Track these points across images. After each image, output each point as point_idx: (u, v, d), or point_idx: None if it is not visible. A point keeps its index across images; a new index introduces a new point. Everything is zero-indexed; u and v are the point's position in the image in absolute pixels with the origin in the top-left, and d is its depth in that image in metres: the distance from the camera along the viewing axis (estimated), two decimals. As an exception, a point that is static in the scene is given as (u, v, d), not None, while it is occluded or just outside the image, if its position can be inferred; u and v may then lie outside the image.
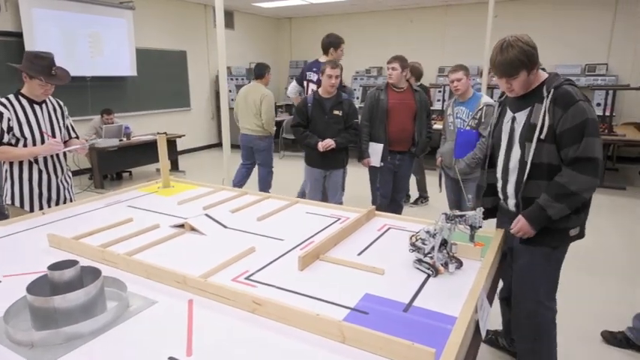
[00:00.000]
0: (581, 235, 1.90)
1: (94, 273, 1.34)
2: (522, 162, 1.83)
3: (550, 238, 1.85)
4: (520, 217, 1.84)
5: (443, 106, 6.62)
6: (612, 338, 2.55)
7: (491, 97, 6.98)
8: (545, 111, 1.74)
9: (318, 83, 4.03)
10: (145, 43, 7.47)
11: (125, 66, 7.02)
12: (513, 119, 1.90)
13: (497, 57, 1.77)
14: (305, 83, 4.39)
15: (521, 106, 1.86)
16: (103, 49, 6.66)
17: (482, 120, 3.30)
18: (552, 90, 1.74)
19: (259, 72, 4.84)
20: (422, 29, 8.80)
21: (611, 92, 6.48)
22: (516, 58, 1.72)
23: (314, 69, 4.22)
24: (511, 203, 1.95)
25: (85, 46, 6.44)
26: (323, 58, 4.18)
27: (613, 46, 7.32)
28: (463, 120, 3.40)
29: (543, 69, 1.88)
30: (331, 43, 4.13)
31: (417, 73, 4.90)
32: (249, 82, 5.08)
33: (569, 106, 1.69)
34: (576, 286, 3.11)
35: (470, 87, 3.41)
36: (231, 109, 8.25)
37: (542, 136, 1.75)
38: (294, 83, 4.56)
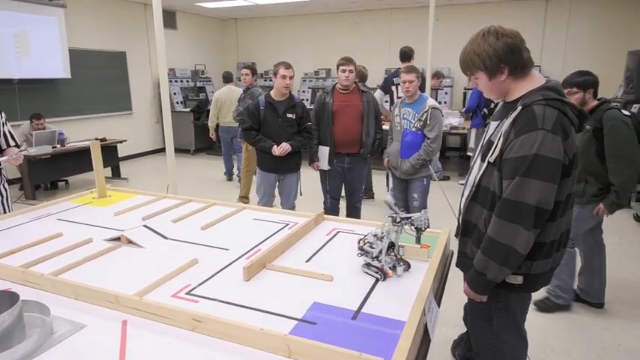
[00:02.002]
0: (526, 287, 1.57)
1: (10, 298, 1.20)
2: (475, 179, 1.58)
3: None
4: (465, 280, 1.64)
5: (390, 107, 6.73)
6: (544, 305, 2.86)
7: (435, 99, 7.19)
8: (502, 130, 1.46)
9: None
10: (80, 44, 7.03)
11: (57, 67, 6.56)
12: (488, 128, 1.64)
13: (463, 48, 1.51)
14: (393, 88, 5.23)
15: (499, 115, 1.57)
16: (31, 49, 6.18)
17: (428, 122, 3.38)
18: (519, 108, 1.42)
19: (230, 78, 6.27)
20: (368, 32, 8.93)
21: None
22: (468, 57, 1.48)
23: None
24: (460, 219, 1.71)
25: (10, 45, 5.94)
26: (403, 65, 4.90)
27: (545, 48, 7.80)
28: (409, 121, 3.46)
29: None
30: (412, 51, 5.23)
31: (362, 76, 5.06)
32: (224, 86, 6.29)
33: (524, 132, 1.37)
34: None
35: (418, 89, 3.48)
36: (175, 112, 8.07)
37: (492, 159, 1.48)
38: (378, 91, 5.40)
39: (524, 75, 1.48)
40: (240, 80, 5.65)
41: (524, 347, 1.79)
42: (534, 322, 2.75)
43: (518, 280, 1.55)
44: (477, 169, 1.60)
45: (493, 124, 1.60)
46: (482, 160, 1.56)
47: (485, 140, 1.60)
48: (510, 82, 1.48)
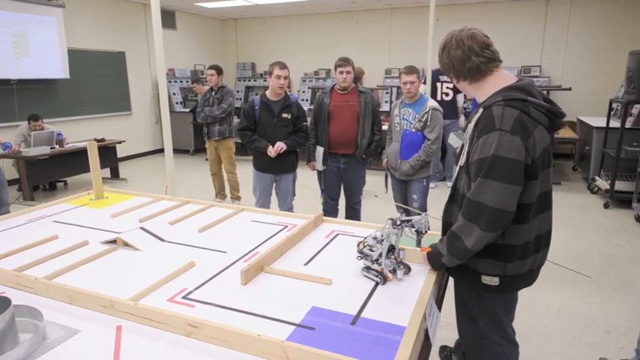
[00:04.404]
0: (505, 288, 1.55)
1: (1, 303, 1.18)
2: (453, 182, 1.62)
3: (462, 276, 1.61)
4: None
5: (390, 108, 6.70)
6: None
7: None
8: (468, 135, 1.50)
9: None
10: (79, 44, 7.00)
11: (56, 68, 6.53)
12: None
13: None
14: (439, 84, 5.65)
15: (469, 120, 1.61)
16: (29, 49, 6.15)
17: (428, 123, 3.35)
18: (481, 110, 1.45)
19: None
20: (368, 32, 8.90)
21: (544, 93, 6.87)
22: (443, 62, 1.54)
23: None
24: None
25: (8, 45, 5.91)
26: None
27: (545, 49, 7.77)
28: (409, 122, 3.43)
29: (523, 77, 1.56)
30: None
31: (357, 76, 5.07)
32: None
33: (483, 134, 1.38)
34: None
35: (419, 89, 3.45)
36: (174, 112, 8.04)
37: (462, 163, 1.50)
38: (422, 86, 5.73)
39: (489, 75, 1.49)
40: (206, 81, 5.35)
41: (514, 348, 1.78)
42: (536, 324, 2.73)
43: (494, 281, 1.54)
44: (455, 172, 1.63)
45: (470, 126, 1.62)
46: (456, 163, 1.59)
47: (460, 145, 1.64)
48: (472, 85, 1.52)
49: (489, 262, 1.51)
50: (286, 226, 2.08)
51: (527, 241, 1.50)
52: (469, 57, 1.47)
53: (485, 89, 1.49)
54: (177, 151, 7.22)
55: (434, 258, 1.58)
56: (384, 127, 4.06)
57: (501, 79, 1.50)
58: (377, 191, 5.57)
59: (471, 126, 1.49)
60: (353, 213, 3.86)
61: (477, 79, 1.50)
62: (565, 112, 1.52)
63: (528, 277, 1.59)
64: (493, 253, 1.49)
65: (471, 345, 1.79)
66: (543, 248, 1.58)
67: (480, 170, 1.38)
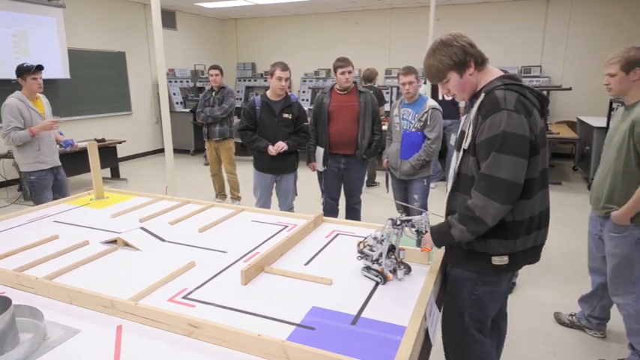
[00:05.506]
0: (512, 266, 1.61)
1: (2, 303, 1.18)
2: (455, 170, 1.67)
3: (470, 262, 1.62)
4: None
5: (390, 108, 6.69)
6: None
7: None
8: (471, 119, 1.56)
9: None
10: (79, 44, 7.00)
11: (56, 68, 6.53)
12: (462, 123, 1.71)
13: (424, 61, 1.65)
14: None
15: (468, 108, 1.68)
16: (29, 49, 6.15)
17: (428, 122, 3.35)
18: (483, 95, 1.54)
19: None
20: (368, 32, 8.91)
21: (544, 93, 6.88)
22: (436, 63, 1.58)
23: None
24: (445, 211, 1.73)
25: (8, 45, 5.91)
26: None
27: (545, 49, 7.77)
28: (409, 122, 3.43)
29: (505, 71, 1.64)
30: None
31: (369, 77, 5.10)
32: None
33: (490, 114, 1.46)
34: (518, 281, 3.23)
35: (418, 89, 3.45)
36: (174, 112, 8.04)
37: (466, 146, 1.56)
38: (423, 86, 5.31)
39: (484, 67, 1.61)
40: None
41: (493, 343, 1.80)
42: (536, 324, 2.73)
43: (504, 260, 1.57)
44: (454, 160, 1.67)
45: (463, 117, 1.70)
46: (458, 150, 1.63)
47: (459, 132, 1.69)
48: (476, 75, 1.60)
49: (499, 242, 1.55)
50: (286, 226, 2.09)
51: (532, 216, 1.55)
52: (474, 44, 1.59)
53: (485, 79, 1.59)
54: (177, 151, 7.21)
55: (441, 232, 1.58)
56: (384, 127, 4.06)
57: (495, 71, 1.62)
58: (377, 191, 5.57)
59: (473, 110, 1.55)
60: (353, 213, 3.86)
61: (483, 66, 1.59)
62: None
63: (531, 254, 1.63)
64: (502, 231, 1.52)
65: (453, 342, 1.80)
66: (544, 226, 1.63)
67: (492, 146, 1.45)
